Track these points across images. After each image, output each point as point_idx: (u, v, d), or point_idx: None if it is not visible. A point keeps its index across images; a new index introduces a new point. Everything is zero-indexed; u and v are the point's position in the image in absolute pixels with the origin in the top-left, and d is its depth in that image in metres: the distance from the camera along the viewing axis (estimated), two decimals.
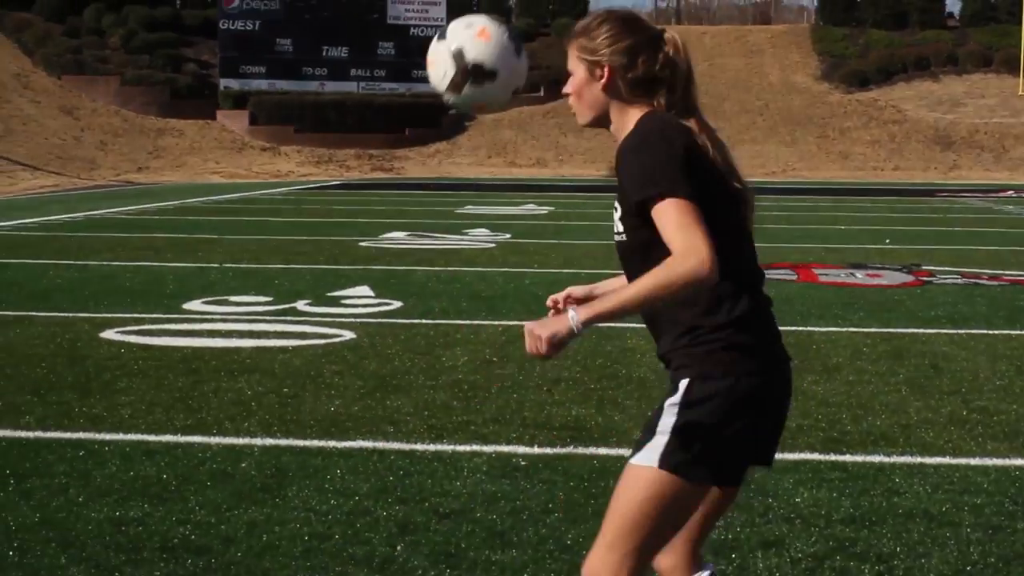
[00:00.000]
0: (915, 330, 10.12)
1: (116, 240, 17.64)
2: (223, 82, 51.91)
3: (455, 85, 3.31)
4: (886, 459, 6.13)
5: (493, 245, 17.50)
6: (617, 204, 3.18)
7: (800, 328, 10.03)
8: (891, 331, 10.03)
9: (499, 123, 54.26)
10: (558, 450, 6.20)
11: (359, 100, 51.85)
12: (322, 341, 9.29)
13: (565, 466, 5.91)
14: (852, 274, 13.85)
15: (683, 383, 3.10)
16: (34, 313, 10.59)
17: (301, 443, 6.31)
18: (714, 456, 3.09)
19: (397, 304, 11.27)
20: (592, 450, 6.21)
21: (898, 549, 4.81)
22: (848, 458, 6.13)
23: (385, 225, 20.91)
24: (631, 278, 3.12)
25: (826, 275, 13.91)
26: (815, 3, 68.73)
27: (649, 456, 3.09)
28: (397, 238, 18.45)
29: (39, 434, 6.48)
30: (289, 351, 8.86)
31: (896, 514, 5.24)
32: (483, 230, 20.15)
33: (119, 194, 31.75)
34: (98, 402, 7.19)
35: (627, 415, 6.95)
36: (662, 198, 2.97)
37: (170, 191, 32.77)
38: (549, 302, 3.51)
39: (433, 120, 52.65)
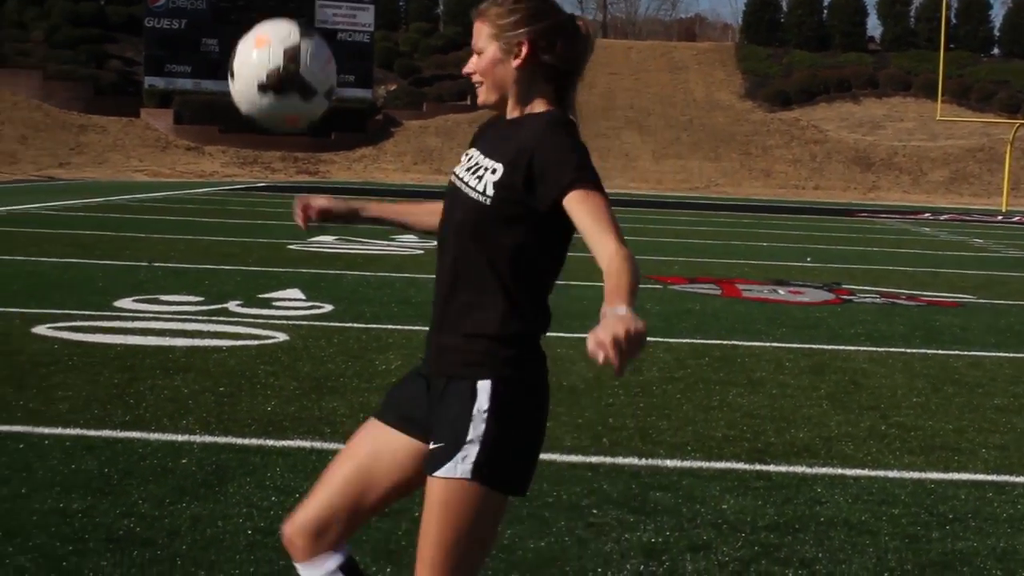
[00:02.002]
0: (836, 347, 10.39)
1: (41, 236, 17.53)
2: (148, 80, 51.62)
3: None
4: (808, 470, 6.35)
5: (422, 252, 17.62)
6: (495, 165, 3.03)
7: (725, 342, 10.27)
8: (812, 347, 10.30)
9: (425, 130, 54.45)
10: None
11: None
12: (255, 342, 9.36)
13: None
14: (775, 290, 14.13)
15: (484, 385, 2.97)
16: None
17: (240, 441, 6.40)
18: (525, 463, 3.03)
19: (328, 307, 11.36)
20: None
21: (820, 555, 5.01)
22: (772, 468, 6.34)
23: (313, 229, 20.91)
24: (449, 235, 3.09)
25: (750, 291, 14.19)
26: (739, 22, 69.50)
27: (460, 468, 2.94)
28: (325, 242, 18.50)
29: None
30: (223, 351, 8.93)
31: (818, 522, 5.45)
32: (411, 236, 20.26)
33: (40, 189, 31.49)
34: (35, 397, 7.22)
35: (559, 422, 7.11)
36: (593, 188, 2.90)
37: (93, 188, 32.52)
38: (298, 210, 3.63)
39: (359, 125, 52.70)
